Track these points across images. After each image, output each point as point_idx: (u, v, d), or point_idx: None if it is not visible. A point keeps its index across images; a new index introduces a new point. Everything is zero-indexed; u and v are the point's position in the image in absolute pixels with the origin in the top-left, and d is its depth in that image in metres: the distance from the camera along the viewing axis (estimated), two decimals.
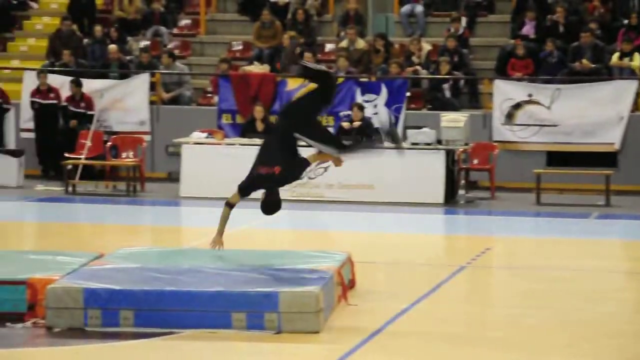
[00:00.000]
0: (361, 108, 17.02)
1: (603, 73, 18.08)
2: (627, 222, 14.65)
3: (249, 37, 20.57)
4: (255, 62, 19.45)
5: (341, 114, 17.66)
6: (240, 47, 20.79)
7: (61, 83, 18.57)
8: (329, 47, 20.54)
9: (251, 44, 20.42)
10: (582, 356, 7.48)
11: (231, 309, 7.75)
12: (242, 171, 15.91)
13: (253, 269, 8.57)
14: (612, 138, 17.22)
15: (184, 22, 21.63)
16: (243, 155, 16.25)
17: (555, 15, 19.24)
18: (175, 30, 21.38)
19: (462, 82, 18.72)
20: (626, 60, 18.07)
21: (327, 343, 7.62)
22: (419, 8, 20.67)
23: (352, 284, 9.29)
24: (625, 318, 8.84)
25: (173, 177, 16.85)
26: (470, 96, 18.78)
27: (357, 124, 16.80)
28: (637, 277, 10.90)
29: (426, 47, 19.37)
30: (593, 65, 18.11)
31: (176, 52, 20.14)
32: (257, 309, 7.74)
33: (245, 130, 17.24)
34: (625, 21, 18.96)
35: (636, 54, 18.09)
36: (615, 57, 18.16)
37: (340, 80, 18.22)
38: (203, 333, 7.71)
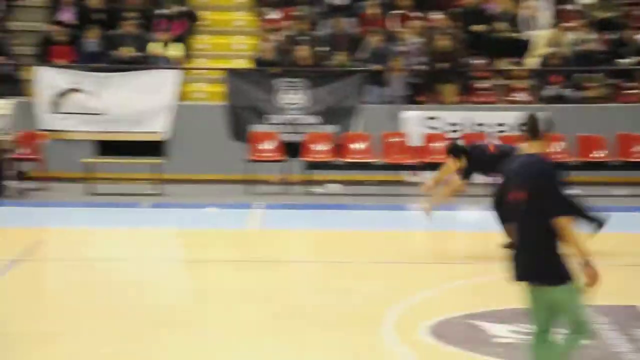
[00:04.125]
0: None
1: (143, 62, 18.26)
2: (178, 210, 14.94)
3: None
4: None
5: None
6: None
7: None
8: None
9: None
10: (137, 347, 7.50)
11: None
12: None
13: None
14: (158, 127, 17.47)
15: None
16: None
17: (91, 2, 19.08)
18: None
19: (5, 67, 18.00)
20: (166, 49, 18.39)
21: None
22: None
23: None
24: (184, 306, 9.01)
25: None
26: (12, 83, 18.12)
27: None
28: (191, 264, 11.15)
29: None
30: (135, 54, 18.23)
31: None
32: None
33: None
34: (164, 11, 19.27)
35: (176, 44, 18.48)
36: (155, 46, 18.42)
37: None
38: None
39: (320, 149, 16.90)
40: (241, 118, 17.54)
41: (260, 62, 18.21)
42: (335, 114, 17.55)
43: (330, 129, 17.43)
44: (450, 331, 8.06)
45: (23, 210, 14.85)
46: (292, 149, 16.97)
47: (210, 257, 11.21)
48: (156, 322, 8.16)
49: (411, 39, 18.49)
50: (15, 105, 15.95)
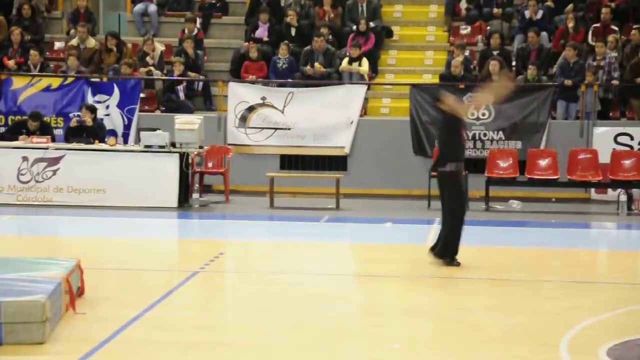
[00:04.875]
0: (92, 109, 16.56)
1: (334, 77, 18.46)
2: (356, 224, 14.98)
3: None
4: None
5: (71, 115, 17.14)
6: None
7: None
8: (58, 45, 19.92)
9: None
10: (317, 359, 7.52)
11: None
12: None
13: None
14: (342, 142, 17.61)
15: None
16: None
17: (287, 19, 19.48)
18: None
19: (197, 84, 18.61)
20: (355, 65, 18.52)
21: (53, 354, 7.32)
22: (152, 7, 20.41)
23: (80, 292, 8.99)
24: (357, 320, 9.00)
25: None
26: (205, 98, 18.71)
27: (88, 125, 16.36)
28: (366, 279, 11.13)
29: (160, 47, 19.13)
30: (325, 70, 18.45)
31: None
32: None
33: None
34: (354, 27, 19.44)
35: (364, 60, 18.58)
36: (344, 62, 18.58)
37: (70, 80, 17.72)
38: None
39: (503, 165, 16.62)
40: (426, 133, 17.44)
41: (446, 77, 18.07)
42: (520, 130, 17.20)
43: (514, 144, 17.10)
44: (632, 354, 7.74)
45: (206, 223, 15.25)
46: (474, 165, 16.73)
47: (385, 272, 11.16)
48: (330, 335, 8.18)
49: (607, 53, 17.92)
50: (205, 120, 16.39)
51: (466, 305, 9.70)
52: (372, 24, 19.48)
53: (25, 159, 15.71)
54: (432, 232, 14.36)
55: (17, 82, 17.61)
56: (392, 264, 11.74)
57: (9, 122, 17.23)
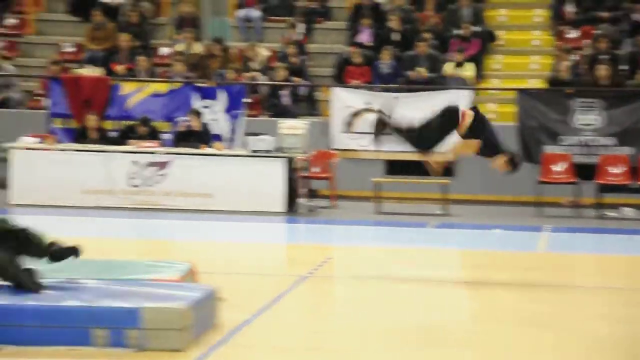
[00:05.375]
0: (198, 114, 16.72)
1: (438, 82, 18.32)
2: (464, 231, 14.84)
3: (80, 39, 19.98)
4: (88, 65, 18.92)
5: (178, 119, 17.32)
6: (72, 49, 20.18)
7: None
8: (164, 50, 20.16)
9: (83, 46, 19.85)
10: None
11: (90, 325, 7.35)
12: (76, 177, 15.67)
13: (110, 281, 8.15)
14: (448, 147, 17.42)
15: (10, 21, 20.83)
16: (77, 161, 15.99)
17: (390, 24, 19.41)
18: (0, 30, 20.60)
19: (301, 88, 18.67)
20: (459, 70, 18.37)
21: (163, 357, 7.32)
22: (256, 13, 20.54)
23: None
24: (464, 327, 8.88)
25: (1, 184, 16.19)
26: (309, 103, 18.74)
27: (196, 129, 16.52)
28: (474, 286, 11.00)
29: (264, 52, 19.22)
30: (429, 74, 18.34)
31: (2, 52, 19.43)
32: (118, 325, 7.36)
33: (80, 136, 16.72)
34: (458, 31, 19.29)
35: (469, 64, 18.42)
36: (449, 67, 18.43)
37: (177, 85, 17.92)
38: (60, 350, 7.30)
39: (615, 172, 16.33)
40: (533, 139, 17.21)
41: (554, 82, 17.81)
42: (632, 135, 16.87)
43: (626, 150, 16.78)
44: None
45: (313, 227, 15.26)
46: (585, 171, 16.46)
47: (492, 279, 11.02)
48: (439, 342, 8.09)
49: None
50: (310, 125, 16.42)
51: (581, 314, 9.52)
52: (475, 29, 19.31)
53: (135, 163, 15.93)
54: (543, 239, 14.20)
55: (126, 88, 17.86)
56: (502, 272, 11.59)
57: (118, 127, 17.49)
